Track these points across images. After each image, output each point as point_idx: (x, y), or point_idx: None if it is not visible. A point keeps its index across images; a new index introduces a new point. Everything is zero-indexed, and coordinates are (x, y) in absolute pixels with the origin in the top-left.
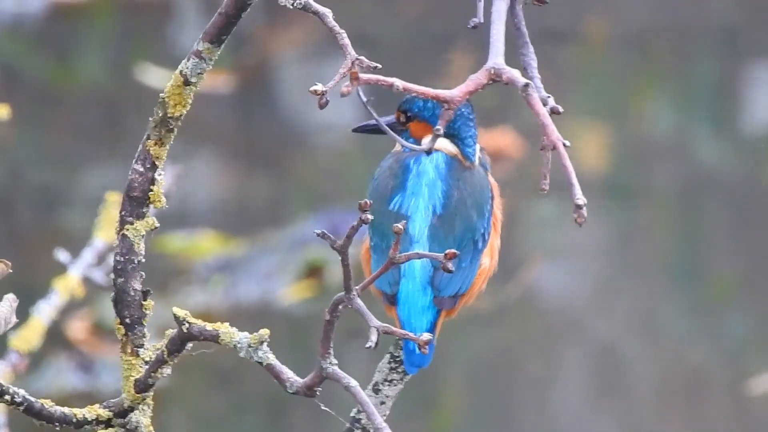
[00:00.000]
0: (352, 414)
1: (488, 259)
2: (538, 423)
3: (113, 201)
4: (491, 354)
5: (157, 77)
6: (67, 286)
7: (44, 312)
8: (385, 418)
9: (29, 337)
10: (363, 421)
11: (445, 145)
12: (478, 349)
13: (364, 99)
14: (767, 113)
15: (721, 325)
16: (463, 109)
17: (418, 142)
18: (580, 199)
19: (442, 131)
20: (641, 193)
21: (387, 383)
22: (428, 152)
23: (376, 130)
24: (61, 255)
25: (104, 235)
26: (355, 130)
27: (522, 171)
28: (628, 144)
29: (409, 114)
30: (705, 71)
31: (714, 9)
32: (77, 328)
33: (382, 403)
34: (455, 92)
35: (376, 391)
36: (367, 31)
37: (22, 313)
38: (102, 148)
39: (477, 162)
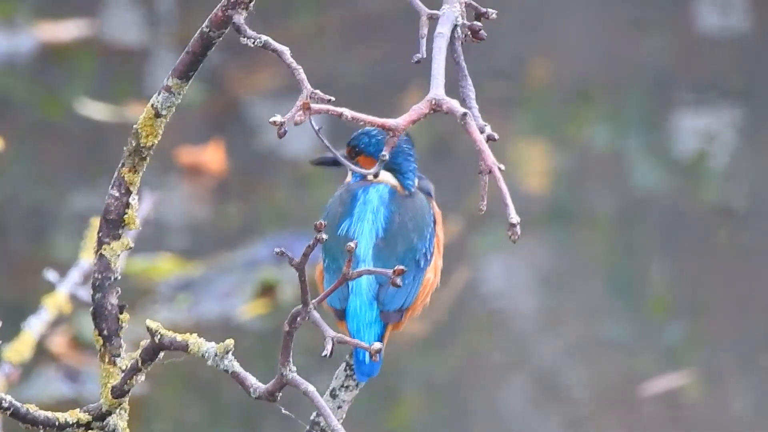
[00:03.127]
0: (311, 417)
1: (432, 275)
2: (487, 424)
3: (96, 225)
4: (441, 361)
5: (95, 110)
6: (55, 303)
7: (35, 327)
8: (341, 420)
9: (21, 349)
10: (322, 424)
11: (387, 178)
12: (429, 358)
13: (316, 128)
14: (694, 141)
15: (656, 335)
16: (404, 145)
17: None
18: (514, 218)
19: (387, 157)
20: (580, 213)
21: (343, 389)
22: (375, 176)
23: (331, 162)
24: (50, 275)
25: (89, 256)
26: (313, 163)
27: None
28: (566, 167)
29: (357, 149)
30: (637, 102)
31: (644, 57)
32: (58, 343)
33: (339, 407)
34: (399, 121)
35: (334, 396)
36: (327, 72)
37: (15, 329)
38: (87, 175)
39: (415, 191)
